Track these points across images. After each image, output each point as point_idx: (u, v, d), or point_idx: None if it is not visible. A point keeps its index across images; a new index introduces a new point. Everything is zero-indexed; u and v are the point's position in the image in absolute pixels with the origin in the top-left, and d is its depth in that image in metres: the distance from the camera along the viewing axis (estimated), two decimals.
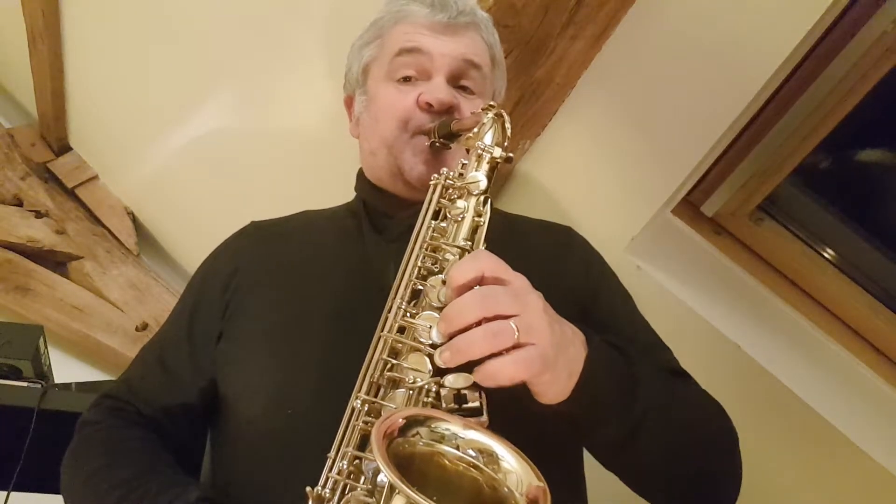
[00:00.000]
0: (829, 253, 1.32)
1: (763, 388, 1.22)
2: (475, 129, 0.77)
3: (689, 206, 1.37)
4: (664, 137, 1.23)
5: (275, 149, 1.86)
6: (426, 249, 0.73)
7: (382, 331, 0.69)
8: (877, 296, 1.28)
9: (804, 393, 1.21)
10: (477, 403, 0.61)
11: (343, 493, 0.62)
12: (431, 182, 0.78)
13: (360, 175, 1.00)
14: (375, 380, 0.67)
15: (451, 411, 0.61)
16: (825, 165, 1.32)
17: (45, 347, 1.62)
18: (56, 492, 1.39)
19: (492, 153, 0.75)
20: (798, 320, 1.27)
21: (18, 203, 2.41)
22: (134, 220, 2.56)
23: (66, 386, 1.53)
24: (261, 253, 0.93)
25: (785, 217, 1.34)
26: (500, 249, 0.88)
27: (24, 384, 1.48)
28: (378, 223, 0.92)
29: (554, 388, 0.63)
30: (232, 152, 2.00)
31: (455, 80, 0.91)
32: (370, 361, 0.68)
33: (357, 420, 0.65)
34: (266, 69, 1.73)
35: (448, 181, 0.76)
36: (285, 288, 0.87)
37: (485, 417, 0.61)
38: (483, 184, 0.74)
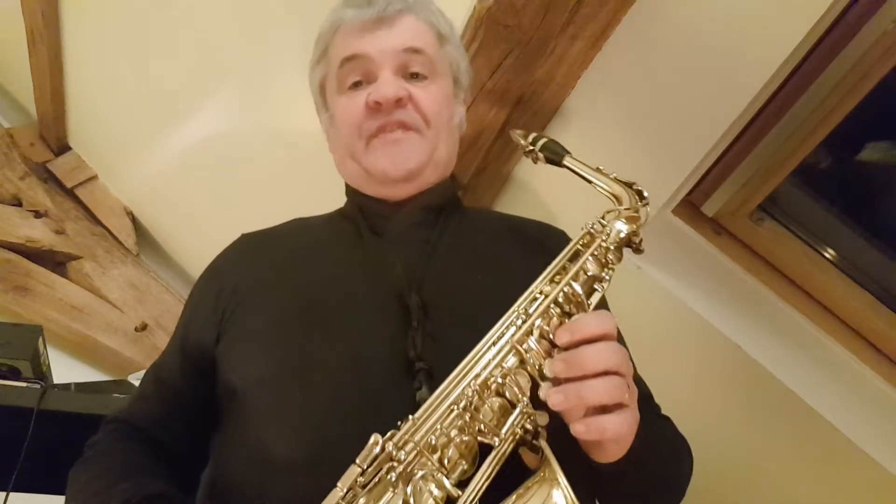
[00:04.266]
0: (829, 253, 1.32)
1: (764, 388, 1.22)
2: (637, 216, 0.83)
3: (690, 205, 1.37)
4: (664, 137, 1.23)
5: (274, 148, 1.86)
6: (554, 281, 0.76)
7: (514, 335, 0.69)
8: (877, 295, 1.28)
9: (804, 393, 1.20)
10: (539, 443, 0.64)
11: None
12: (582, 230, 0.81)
13: (347, 184, 1.00)
14: (491, 379, 0.67)
15: (517, 440, 0.64)
16: (826, 165, 1.32)
17: (45, 348, 1.62)
18: (55, 492, 1.39)
19: (635, 242, 0.82)
20: (799, 320, 1.27)
21: (17, 203, 2.41)
22: (133, 220, 2.56)
23: (66, 386, 1.53)
24: (255, 259, 0.92)
25: (785, 217, 1.34)
26: (500, 249, 0.89)
27: (24, 384, 1.47)
28: (375, 225, 0.92)
29: (618, 450, 0.67)
30: (231, 152, 2.00)
31: (403, 71, 0.90)
32: (493, 357, 0.68)
33: (460, 409, 0.64)
34: (266, 69, 1.73)
35: (593, 230, 0.81)
36: (286, 284, 0.86)
37: (547, 468, 0.62)
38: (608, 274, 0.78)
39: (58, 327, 2.18)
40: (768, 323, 1.27)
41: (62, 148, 2.60)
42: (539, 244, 0.92)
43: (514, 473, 0.63)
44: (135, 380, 1.69)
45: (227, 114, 1.95)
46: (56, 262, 2.38)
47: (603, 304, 0.96)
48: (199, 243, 2.26)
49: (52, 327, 2.13)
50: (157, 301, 2.40)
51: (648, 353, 1.36)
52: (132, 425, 0.86)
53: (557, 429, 0.65)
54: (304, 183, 1.66)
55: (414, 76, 0.91)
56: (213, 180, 2.13)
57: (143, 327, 2.30)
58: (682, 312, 1.27)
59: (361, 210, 0.94)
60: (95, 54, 2.22)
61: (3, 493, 1.35)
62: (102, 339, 2.22)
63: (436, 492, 0.59)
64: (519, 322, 0.70)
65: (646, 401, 0.91)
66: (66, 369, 2.02)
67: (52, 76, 2.32)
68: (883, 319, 1.26)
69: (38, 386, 1.45)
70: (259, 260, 0.91)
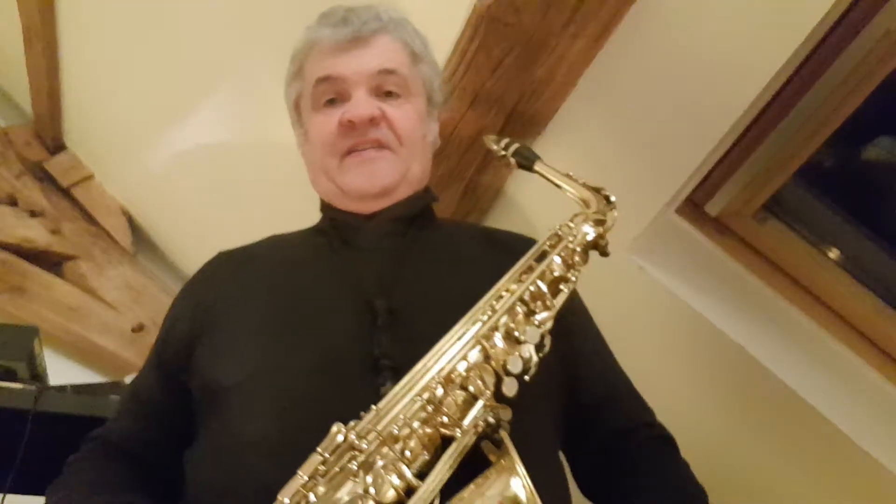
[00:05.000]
0: (833, 253, 1.31)
1: (767, 388, 1.22)
2: (604, 219, 0.84)
3: (693, 205, 1.36)
4: (667, 136, 1.23)
5: (271, 149, 1.85)
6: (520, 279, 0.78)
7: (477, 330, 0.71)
8: (881, 296, 1.28)
9: (808, 393, 1.20)
10: (500, 437, 0.65)
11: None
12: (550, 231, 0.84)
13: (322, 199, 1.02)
14: (455, 373, 0.68)
15: (480, 433, 0.65)
16: (829, 165, 1.32)
17: (41, 349, 1.61)
18: None
19: (601, 245, 0.83)
20: (802, 320, 1.26)
21: (13, 202, 2.40)
22: (130, 219, 2.55)
23: (62, 388, 1.52)
24: (231, 274, 0.93)
25: (789, 217, 1.34)
26: (472, 257, 0.92)
27: (20, 386, 1.46)
28: (347, 237, 0.93)
29: None
30: (229, 152, 1.99)
31: (377, 91, 0.92)
32: (458, 352, 0.70)
33: (424, 401, 0.66)
34: (265, 70, 1.71)
35: (561, 232, 0.83)
36: (259, 295, 0.87)
37: (506, 457, 0.63)
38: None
39: (54, 328, 2.17)
40: (771, 323, 1.27)
41: (58, 147, 2.60)
42: (511, 252, 0.92)
43: (476, 466, 0.63)
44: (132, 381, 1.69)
45: (226, 114, 1.94)
46: (52, 262, 2.37)
47: (578, 305, 0.98)
48: (196, 243, 2.25)
49: (48, 328, 2.11)
50: (153, 302, 2.39)
51: (650, 352, 1.36)
52: (110, 442, 0.86)
53: (520, 423, 0.66)
54: (303, 184, 1.65)
55: (388, 94, 0.93)
56: (210, 180, 2.13)
57: (140, 328, 2.29)
58: (685, 312, 1.27)
59: (333, 223, 0.95)
60: (92, 53, 2.22)
61: (0, 495, 1.34)
62: (99, 340, 2.21)
63: (396, 481, 0.60)
64: (484, 318, 0.73)
65: (640, 412, 0.91)
66: (62, 371, 2.01)
67: (49, 75, 2.31)
68: (887, 320, 1.26)
69: (35, 387, 1.44)
70: (234, 274, 0.93)
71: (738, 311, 1.28)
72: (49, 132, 2.52)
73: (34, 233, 2.33)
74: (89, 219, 2.52)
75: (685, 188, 1.28)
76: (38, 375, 1.57)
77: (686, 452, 1.27)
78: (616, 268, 1.33)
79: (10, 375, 1.51)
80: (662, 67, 1.20)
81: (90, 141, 2.56)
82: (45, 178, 2.54)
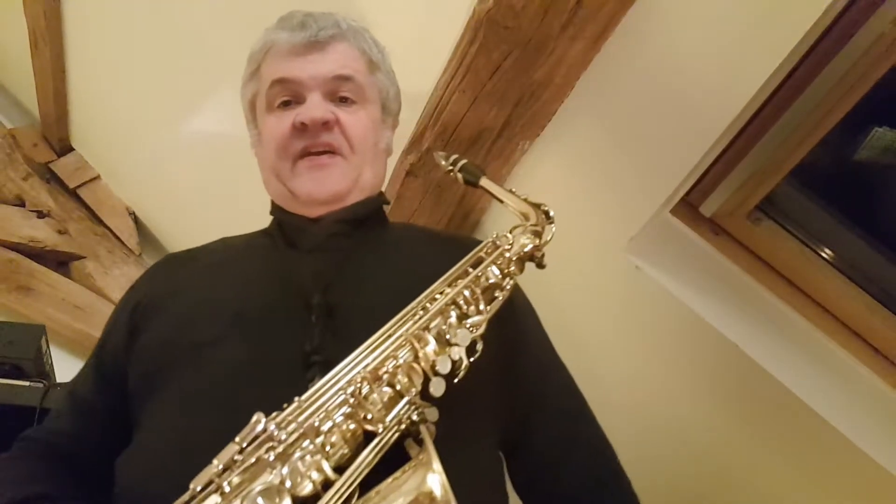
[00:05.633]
0: (826, 253, 1.32)
1: (761, 387, 1.23)
2: (541, 231, 0.85)
3: (688, 206, 1.37)
4: (663, 137, 1.24)
5: None
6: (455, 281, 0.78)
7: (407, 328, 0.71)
8: (874, 295, 1.28)
9: (802, 392, 1.21)
10: (424, 438, 0.63)
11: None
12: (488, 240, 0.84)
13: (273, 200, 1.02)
14: (382, 369, 0.68)
15: (402, 431, 0.65)
16: (823, 166, 1.32)
17: (47, 347, 1.63)
18: None
19: (537, 257, 0.83)
20: (796, 320, 1.27)
21: (20, 203, 2.43)
22: (135, 219, 2.57)
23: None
24: (173, 273, 0.94)
25: (783, 217, 1.34)
26: (419, 260, 0.91)
27: (27, 383, 1.48)
28: (291, 238, 0.93)
29: None
30: (233, 152, 2.00)
31: (332, 95, 0.93)
32: (387, 349, 0.69)
33: (348, 395, 0.65)
34: None
35: (498, 242, 0.83)
36: (196, 293, 0.87)
37: (424, 453, 0.62)
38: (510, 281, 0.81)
39: (60, 327, 2.19)
40: (766, 322, 1.28)
41: (65, 149, 2.62)
42: (458, 254, 0.90)
43: (399, 464, 0.62)
44: None
45: (230, 114, 1.95)
46: (59, 261, 2.39)
47: (523, 311, 0.95)
48: (201, 243, 2.27)
49: (54, 327, 2.14)
50: None
51: (646, 352, 1.37)
52: (41, 441, 0.85)
53: (451, 424, 0.66)
54: None
55: (343, 100, 0.93)
56: (215, 180, 2.14)
57: None
58: (680, 312, 1.28)
59: (280, 225, 0.96)
60: (98, 55, 2.23)
61: None
62: None
63: (314, 475, 0.59)
64: (416, 318, 0.72)
65: (576, 422, 0.88)
66: (68, 368, 2.03)
67: (55, 77, 2.33)
68: (880, 319, 1.26)
69: (41, 385, 1.46)
70: (175, 274, 0.93)
71: (734, 311, 1.28)
72: (55, 134, 2.54)
73: (41, 233, 2.35)
74: (95, 219, 2.54)
75: (680, 189, 1.28)
76: (44, 373, 1.59)
77: (682, 451, 1.28)
78: (613, 267, 1.35)
79: (18, 373, 1.53)
80: (659, 69, 1.20)
81: (96, 142, 2.57)
82: (52, 180, 2.56)
